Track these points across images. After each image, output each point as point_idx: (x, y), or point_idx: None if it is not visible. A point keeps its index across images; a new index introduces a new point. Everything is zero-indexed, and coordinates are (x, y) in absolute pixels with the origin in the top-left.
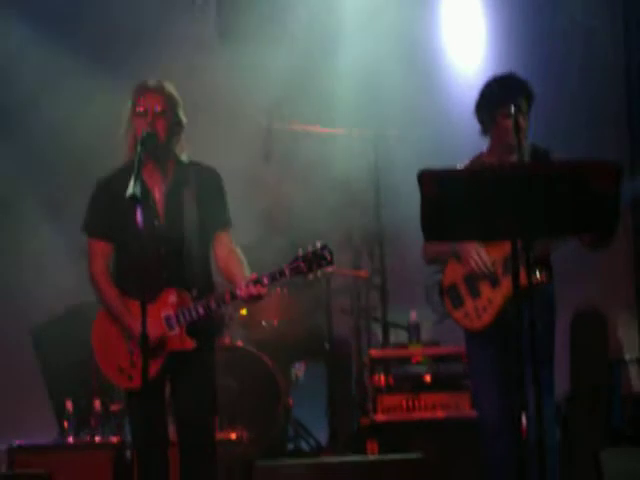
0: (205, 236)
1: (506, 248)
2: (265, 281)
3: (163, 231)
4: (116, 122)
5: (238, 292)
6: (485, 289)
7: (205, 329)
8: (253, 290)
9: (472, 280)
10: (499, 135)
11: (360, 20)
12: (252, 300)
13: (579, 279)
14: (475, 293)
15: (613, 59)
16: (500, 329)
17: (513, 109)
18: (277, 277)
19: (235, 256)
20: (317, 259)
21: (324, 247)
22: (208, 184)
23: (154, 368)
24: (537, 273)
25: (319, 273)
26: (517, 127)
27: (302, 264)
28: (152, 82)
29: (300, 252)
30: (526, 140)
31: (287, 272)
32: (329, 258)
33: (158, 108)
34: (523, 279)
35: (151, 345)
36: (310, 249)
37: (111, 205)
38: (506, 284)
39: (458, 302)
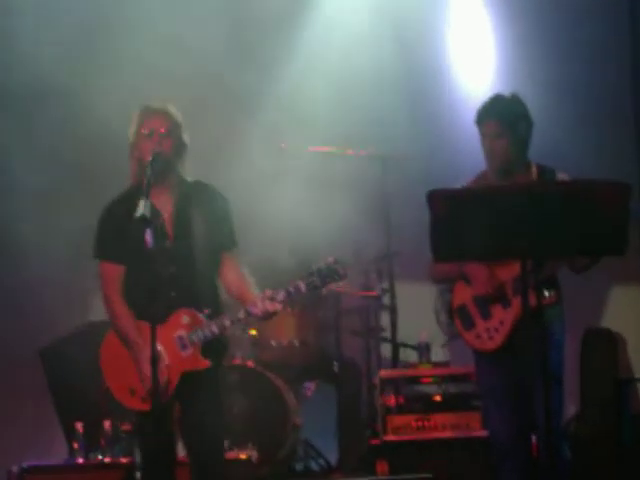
0: (213, 256)
1: (515, 269)
2: (281, 297)
3: (173, 251)
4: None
5: (253, 309)
6: (496, 310)
7: (215, 348)
8: (269, 307)
9: (482, 301)
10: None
11: (366, 40)
12: (267, 317)
13: (588, 297)
14: (486, 314)
15: (620, 75)
16: (510, 349)
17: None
18: (292, 293)
19: (244, 276)
20: (331, 273)
21: (337, 261)
22: (214, 204)
23: (169, 390)
24: (546, 293)
25: (333, 286)
26: (493, 149)
27: (316, 279)
28: (155, 104)
29: (313, 267)
30: (503, 162)
31: (302, 287)
32: (342, 272)
33: (163, 129)
34: (533, 299)
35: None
36: (323, 263)
37: (119, 228)
38: (517, 305)
39: (469, 323)
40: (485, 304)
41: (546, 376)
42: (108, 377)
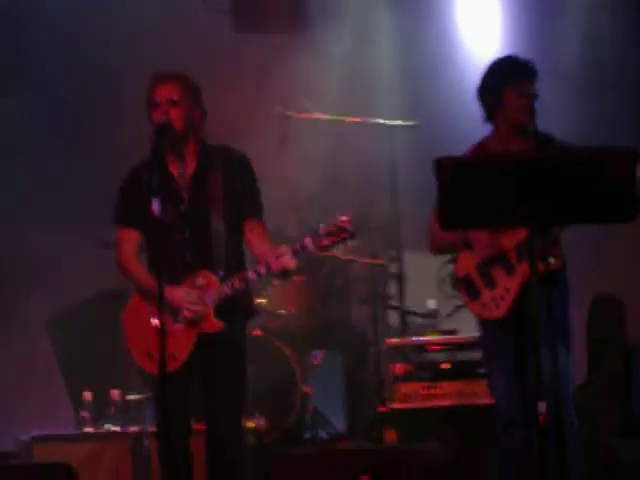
0: (234, 219)
1: (518, 235)
2: (285, 255)
3: (187, 215)
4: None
5: (262, 270)
6: (500, 278)
7: (231, 310)
8: (285, 262)
9: (485, 270)
10: (507, 116)
11: (372, 7)
12: (282, 275)
13: (597, 265)
14: (490, 283)
15: (630, 42)
16: (516, 316)
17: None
18: (299, 250)
19: (268, 242)
20: (339, 232)
21: (346, 220)
22: (236, 169)
23: (183, 353)
24: (551, 258)
25: (341, 246)
26: (530, 105)
27: (324, 237)
28: (166, 72)
29: (322, 226)
30: (532, 121)
31: (309, 244)
32: (351, 231)
33: (174, 97)
34: (538, 265)
35: (196, 313)
36: (332, 222)
37: (138, 195)
38: (521, 271)
39: (474, 293)
40: (488, 272)
41: (554, 342)
42: (129, 341)
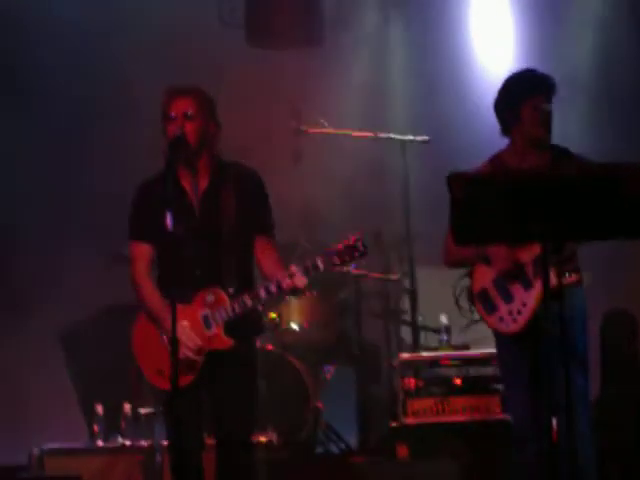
0: (245, 236)
1: (536, 249)
2: (296, 274)
3: (199, 230)
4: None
5: (273, 288)
6: (518, 292)
7: (243, 328)
8: (296, 281)
9: (502, 284)
10: (524, 130)
11: (388, 24)
12: (293, 292)
13: (609, 280)
14: (507, 297)
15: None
16: (533, 332)
17: (545, 105)
18: (310, 269)
19: (278, 260)
20: (350, 251)
21: (357, 239)
22: (248, 185)
23: (195, 369)
24: (567, 274)
25: (352, 265)
26: (547, 119)
27: (335, 256)
28: (182, 86)
29: (333, 245)
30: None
31: (320, 264)
32: (362, 249)
33: (190, 111)
34: (554, 279)
35: (193, 357)
36: (343, 241)
37: (151, 208)
38: (538, 286)
39: (491, 307)
40: (505, 286)
41: (569, 357)
42: (139, 358)
